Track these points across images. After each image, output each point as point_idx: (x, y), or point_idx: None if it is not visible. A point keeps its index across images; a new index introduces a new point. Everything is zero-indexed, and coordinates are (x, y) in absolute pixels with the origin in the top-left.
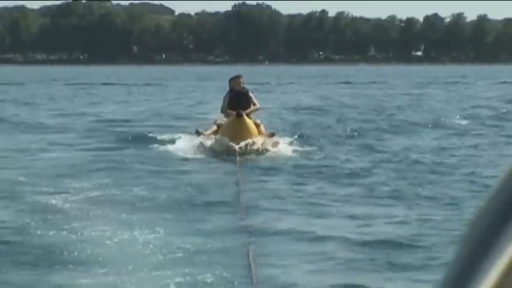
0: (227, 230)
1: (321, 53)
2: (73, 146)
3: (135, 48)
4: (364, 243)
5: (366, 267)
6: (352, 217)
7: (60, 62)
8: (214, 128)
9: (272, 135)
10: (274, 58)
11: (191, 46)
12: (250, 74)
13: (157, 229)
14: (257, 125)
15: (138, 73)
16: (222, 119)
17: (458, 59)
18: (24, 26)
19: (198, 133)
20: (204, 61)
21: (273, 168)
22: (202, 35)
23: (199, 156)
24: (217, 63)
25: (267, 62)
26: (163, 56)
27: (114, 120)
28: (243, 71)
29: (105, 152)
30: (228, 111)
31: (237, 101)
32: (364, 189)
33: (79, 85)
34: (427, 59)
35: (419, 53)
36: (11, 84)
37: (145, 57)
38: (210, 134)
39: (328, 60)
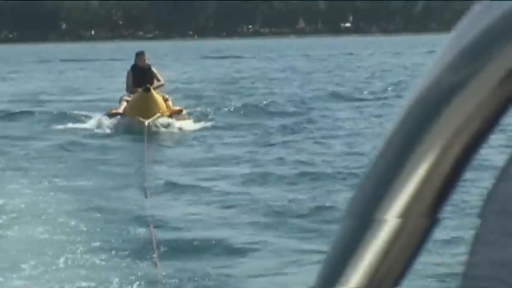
0: (130, 210)
1: (250, 26)
2: None
3: (64, 25)
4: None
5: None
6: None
7: None
8: (124, 104)
9: (180, 111)
10: (203, 32)
11: (120, 22)
12: (179, 49)
13: (58, 210)
14: (165, 100)
15: (64, 51)
16: (129, 96)
17: (388, 29)
18: None
19: (110, 115)
20: (134, 37)
21: (180, 144)
22: (132, 10)
23: (108, 132)
24: (147, 38)
25: (196, 37)
26: (93, 32)
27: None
28: (171, 46)
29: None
30: (133, 89)
31: (141, 77)
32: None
33: None
34: (356, 30)
35: (348, 25)
36: None
37: (75, 34)
38: (120, 112)
39: (257, 33)
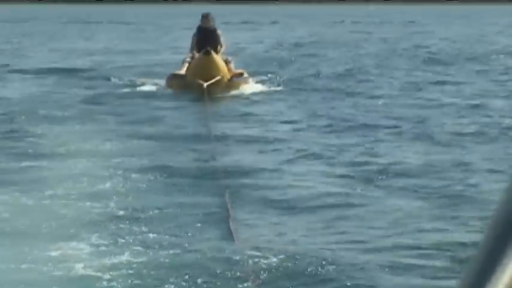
0: (201, 171)
1: None
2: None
3: None
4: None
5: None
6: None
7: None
8: (186, 65)
9: (241, 74)
10: None
11: None
12: (253, 14)
13: (127, 170)
14: (227, 62)
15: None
16: (191, 58)
17: None
18: None
19: (172, 77)
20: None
21: (242, 107)
22: None
23: (169, 93)
24: (229, 1)
25: (277, 1)
26: None
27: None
28: (246, 10)
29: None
30: (195, 52)
31: (205, 39)
32: (336, 132)
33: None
34: None
35: None
36: None
37: None
38: (181, 73)
39: None
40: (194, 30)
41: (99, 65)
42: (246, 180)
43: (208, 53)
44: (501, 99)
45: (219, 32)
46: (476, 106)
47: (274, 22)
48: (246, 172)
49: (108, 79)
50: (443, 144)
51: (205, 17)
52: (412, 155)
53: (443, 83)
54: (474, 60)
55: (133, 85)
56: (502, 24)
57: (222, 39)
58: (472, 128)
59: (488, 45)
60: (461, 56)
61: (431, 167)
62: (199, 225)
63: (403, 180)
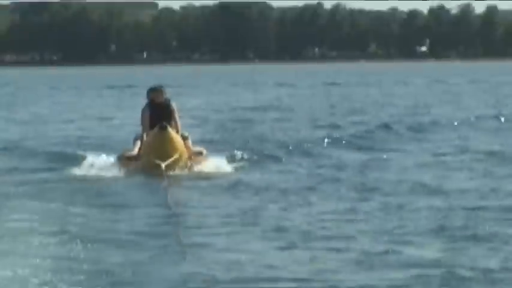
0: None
1: (316, 49)
2: None
3: (113, 46)
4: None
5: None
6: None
7: (32, 63)
8: (138, 144)
9: (200, 152)
10: (265, 55)
11: (174, 44)
12: (238, 73)
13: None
14: (184, 138)
15: (115, 74)
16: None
17: (467, 54)
18: None
19: (123, 159)
20: (189, 60)
21: (201, 188)
22: (187, 31)
23: (123, 176)
24: (203, 62)
25: (257, 60)
26: (145, 54)
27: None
28: (231, 70)
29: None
30: (150, 130)
31: (159, 114)
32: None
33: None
34: (432, 54)
35: (423, 49)
36: None
37: (125, 56)
38: (134, 154)
39: (324, 57)
40: (143, 106)
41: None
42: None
43: (164, 128)
44: None
45: (173, 105)
46: None
47: (234, 84)
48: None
49: (53, 156)
50: None
51: (157, 91)
52: None
53: None
54: None
55: (79, 164)
56: None
57: (177, 114)
58: None
59: None
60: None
61: None
62: None
63: None
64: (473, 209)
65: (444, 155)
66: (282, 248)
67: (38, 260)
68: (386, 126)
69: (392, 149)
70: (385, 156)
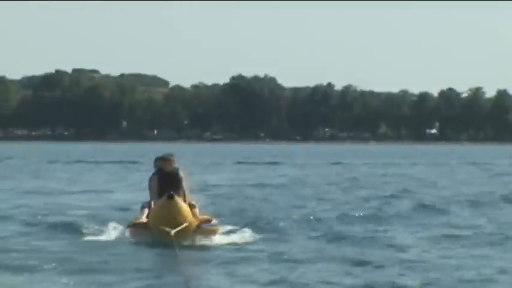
0: None
1: (326, 129)
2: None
3: (125, 123)
4: None
5: None
6: None
7: (43, 138)
8: (146, 211)
9: (208, 220)
10: (276, 135)
11: (186, 122)
12: (250, 152)
13: None
14: (192, 207)
15: (126, 151)
16: (151, 203)
17: (477, 137)
18: (4, 99)
19: (132, 226)
20: (200, 138)
21: (208, 260)
22: (198, 109)
23: (132, 245)
24: (214, 140)
25: (268, 140)
26: (156, 132)
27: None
28: (242, 149)
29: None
30: (158, 198)
31: (167, 183)
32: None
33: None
34: (442, 137)
35: (434, 131)
36: None
37: (136, 133)
38: (143, 222)
39: (334, 137)
40: (151, 174)
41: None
42: None
43: (171, 197)
44: None
45: (181, 174)
46: None
47: (238, 162)
48: None
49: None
50: None
51: (166, 159)
52: None
53: None
54: None
55: (92, 233)
56: None
57: (185, 183)
58: None
59: None
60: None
61: None
62: None
63: None
64: None
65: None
66: None
67: None
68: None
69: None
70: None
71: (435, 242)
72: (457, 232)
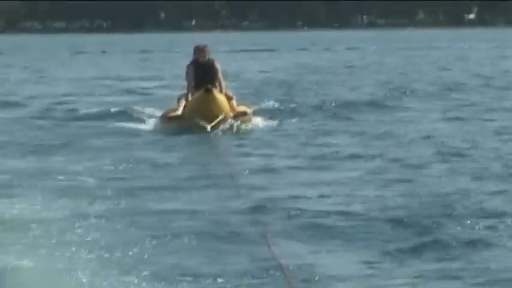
0: (232, 212)
1: (364, 16)
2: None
3: (162, 14)
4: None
5: (374, 242)
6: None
7: (82, 30)
8: (183, 104)
9: (245, 113)
10: (313, 23)
11: (224, 11)
12: (287, 40)
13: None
14: (229, 98)
15: (164, 41)
16: (189, 95)
17: None
18: None
19: (167, 118)
20: (238, 27)
21: (249, 145)
22: None
23: (166, 137)
24: (252, 29)
25: (306, 28)
26: (194, 22)
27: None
28: (278, 37)
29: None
30: (195, 89)
31: (203, 75)
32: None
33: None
34: (480, 22)
35: (472, 16)
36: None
37: (174, 23)
38: (178, 114)
39: (372, 24)
40: (187, 64)
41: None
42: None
43: (208, 91)
44: None
45: (217, 65)
46: None
47: (271, 49)
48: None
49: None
50: None
51: (201, 50)
52: None
53: None
54: None
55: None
56: None
57: (221, 74)
58: None
59: None
60: None
61: None
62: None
63: None
64: None
65: None
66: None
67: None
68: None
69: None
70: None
71: None
72: None
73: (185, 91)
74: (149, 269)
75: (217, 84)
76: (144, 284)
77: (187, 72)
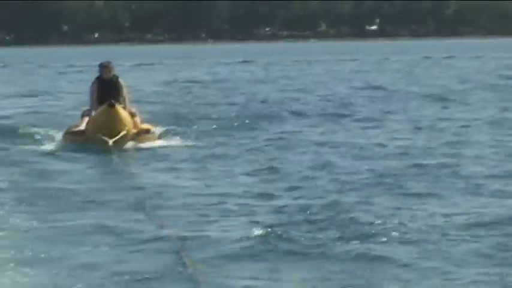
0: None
1: (267, 29)
2: None
3: (66, 27)
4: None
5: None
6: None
7: None
8: (86, 120)
9: (148, 130)
10: (218, 35)
11: (127, 24)
12: (191, 53)
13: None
14: (132, 115)
15: (67, 55)
16: (91, 111)
17: (418, 33)
18: None
19: (70, 134)
20: (142, 40)
21: (154, 161)
22: (139, 11)
23: (68, 153)
24: (156, 41)
25: (210, 40)
26: (97, 35)
27: None
28: (184, 50)
29: None
30: (97, 105)
31: (106, 91)
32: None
33: None
34: (382, 33)
35: (374, 27)
36: None
37: (78, 37)
38: (81, 129)
39: (275, 36)
40: (92, 81)
41: None
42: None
43: (112, 105)
44: None
45: (121, 82)
46: None
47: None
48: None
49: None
50: None
51: (105, 67)
52: None
53: None
54: None
55: (25, 139)
56: None
57: (125, 91)
58: None
59: None
60: None
61: None
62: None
63: None
64: None
65: None
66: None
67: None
68: None
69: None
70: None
71: None
72: None
73: (88, 107)
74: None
75: (121, 100)
76: None
77: (91, 88)
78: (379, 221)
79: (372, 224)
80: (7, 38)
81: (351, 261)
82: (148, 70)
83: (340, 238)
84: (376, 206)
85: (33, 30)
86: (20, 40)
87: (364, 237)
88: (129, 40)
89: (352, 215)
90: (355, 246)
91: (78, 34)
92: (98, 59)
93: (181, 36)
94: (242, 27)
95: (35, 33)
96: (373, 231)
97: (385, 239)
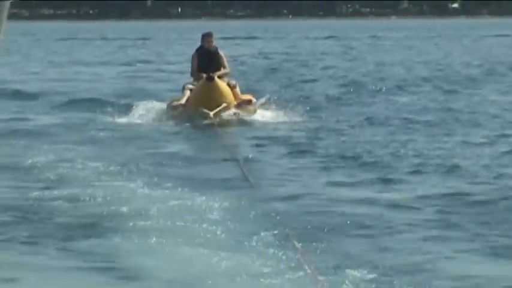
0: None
1: (349, 5)
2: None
3: (149, 1)
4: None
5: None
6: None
7: (69, 17)
8: (187, 93)
9: (249, 101)
10: (298, 11)
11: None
12: (272, 28)
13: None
14: (232, 87)
15: (150, 29)
16: (192, 83)
17: (499, 12)
18: None
19: (172, 108)
20: (224, 15)
21: (258, 135)
22: None
23: (171, 126)
24: (238, 17)
25: (291, 16)
26: (180, 10)
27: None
28: (264, 26)
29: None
30: (198, 74)
31: (207, 62)
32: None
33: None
34: (464, 11)
35: (455, 5)
36: None
37: (160, 11)
38: (182, 103)
39: (357, 13)
40: (193, 51)
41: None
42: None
43: (211, 79)
44: None
45: (221, 53)
46: None
47: (277, 37)
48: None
49: (98, 104)
50: None
51: (207, 37)
52: None
53: None
54: None
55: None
56: None
57: (226, 61)
58: None
59: None
60: None
61: None
62: None
63: None
64: None
65: None
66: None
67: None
68: None
69: None
70: None
71: None
72: None
73: (189, 80)
74: None
75: (222, 71)
76: None
77: (192, 58)
78: None
79: None
80: (91, 11)
81: None
82: (236, 45)
83: None
84: None
85: (117, 4)
86: (104, 14)
87: None
88: (211, 15)
89: None
90: None
91: (161, 8)
92: (182, 33)
93: (262, 12)
94: (323, 3)
95: (118, 7)
96: None
97: None
